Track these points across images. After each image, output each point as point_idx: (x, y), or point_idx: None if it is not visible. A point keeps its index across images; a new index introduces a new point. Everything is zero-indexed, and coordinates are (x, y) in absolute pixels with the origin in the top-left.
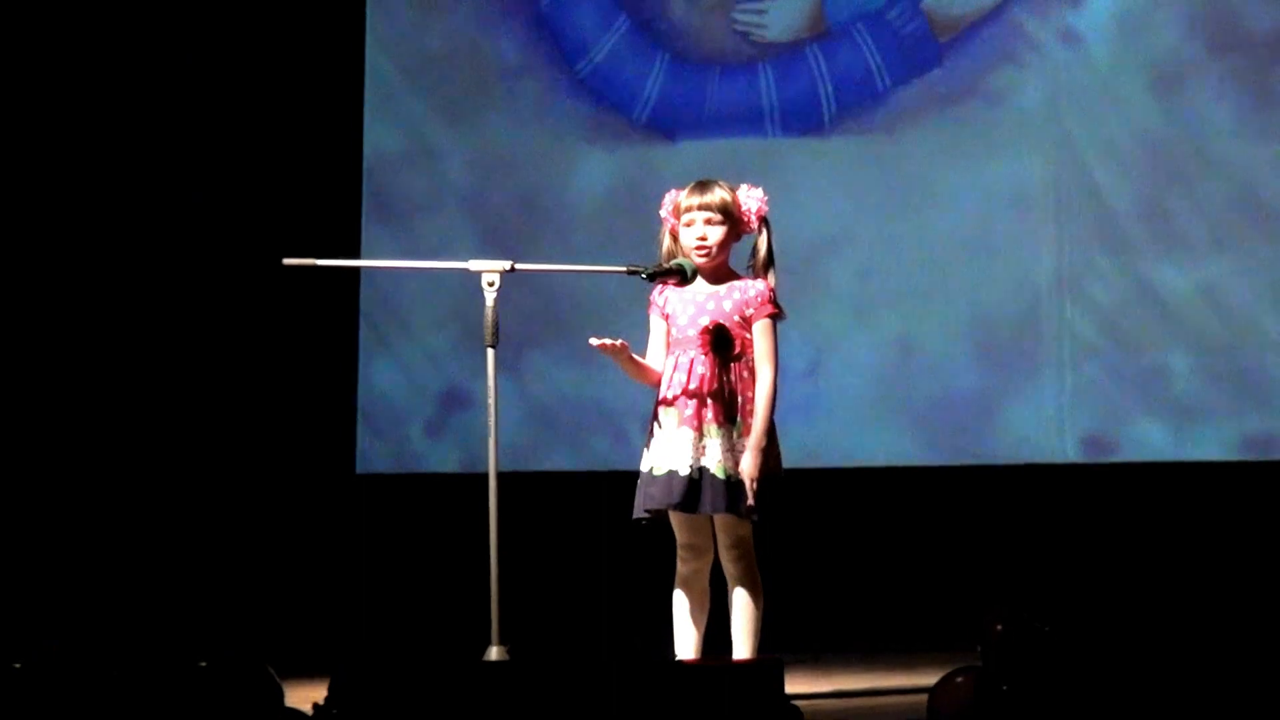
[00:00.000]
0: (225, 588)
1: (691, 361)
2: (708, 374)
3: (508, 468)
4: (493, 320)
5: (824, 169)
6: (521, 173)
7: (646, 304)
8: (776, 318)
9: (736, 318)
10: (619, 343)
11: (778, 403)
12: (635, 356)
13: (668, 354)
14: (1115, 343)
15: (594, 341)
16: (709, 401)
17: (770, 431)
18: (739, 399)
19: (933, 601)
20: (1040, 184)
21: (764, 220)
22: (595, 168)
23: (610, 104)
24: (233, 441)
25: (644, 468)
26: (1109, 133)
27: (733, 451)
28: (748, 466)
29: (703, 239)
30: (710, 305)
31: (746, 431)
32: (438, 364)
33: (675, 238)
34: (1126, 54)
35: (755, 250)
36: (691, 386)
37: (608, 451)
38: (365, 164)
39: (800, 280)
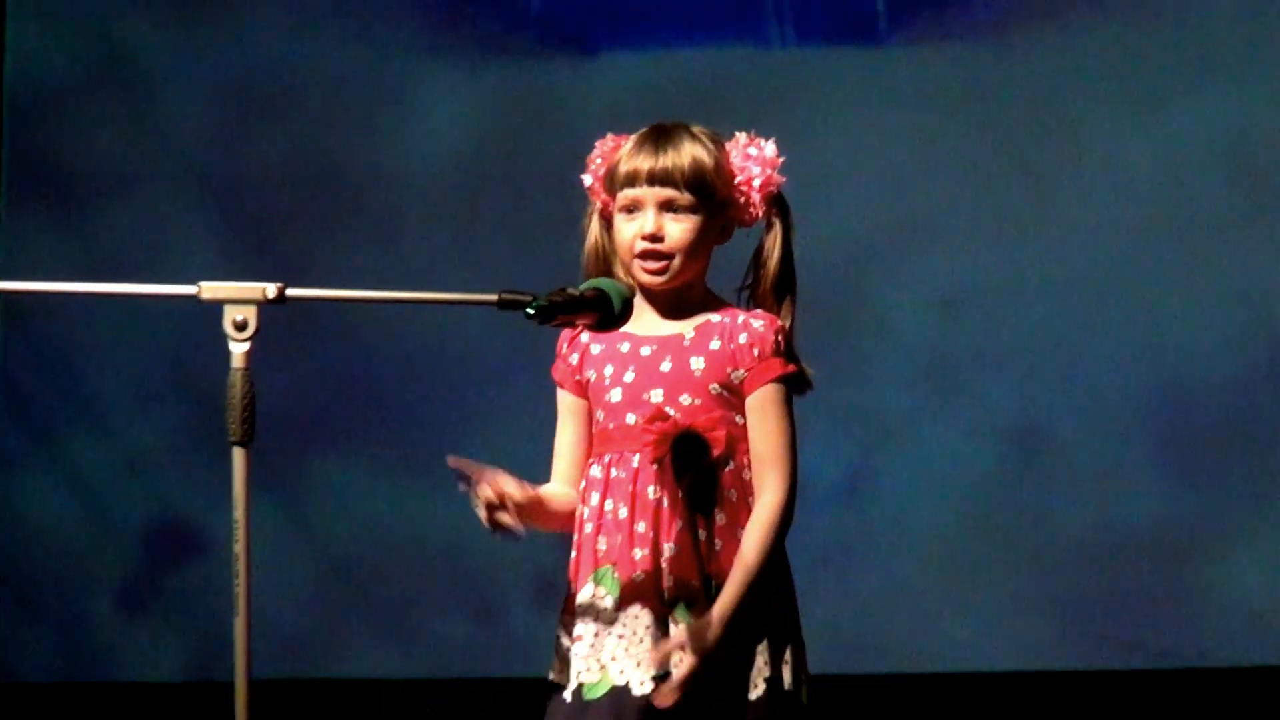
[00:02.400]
0: None
1: (636, 477)
2: (668, 501)
3: (272, 672)
4: (243, 396)
5: (877, 107)
6: (309, 113)
7: (551, 365)
8: (795, 384)
9: (716, 386)
10: (499, 478)
11: (792, 548)
12: (539, 493)
13: (590, 458)
14: None
15: (453, 462)
16: (675, 556)
17: (789, 605)
18: (732, 542)
19: None
20: None
21: (777, 202)
22: (447, 104)
23: None
24: None
25: (556, 675)
26: None
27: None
28: (698, 637)
29: (654, 238)
30: (666, 363)
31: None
32: (142, 480)
33: (611, 227)
34: None
35: (761, 257)
36: (640, 528)
37: (465, 642)
38: (5, 92)
39: (833, 318)
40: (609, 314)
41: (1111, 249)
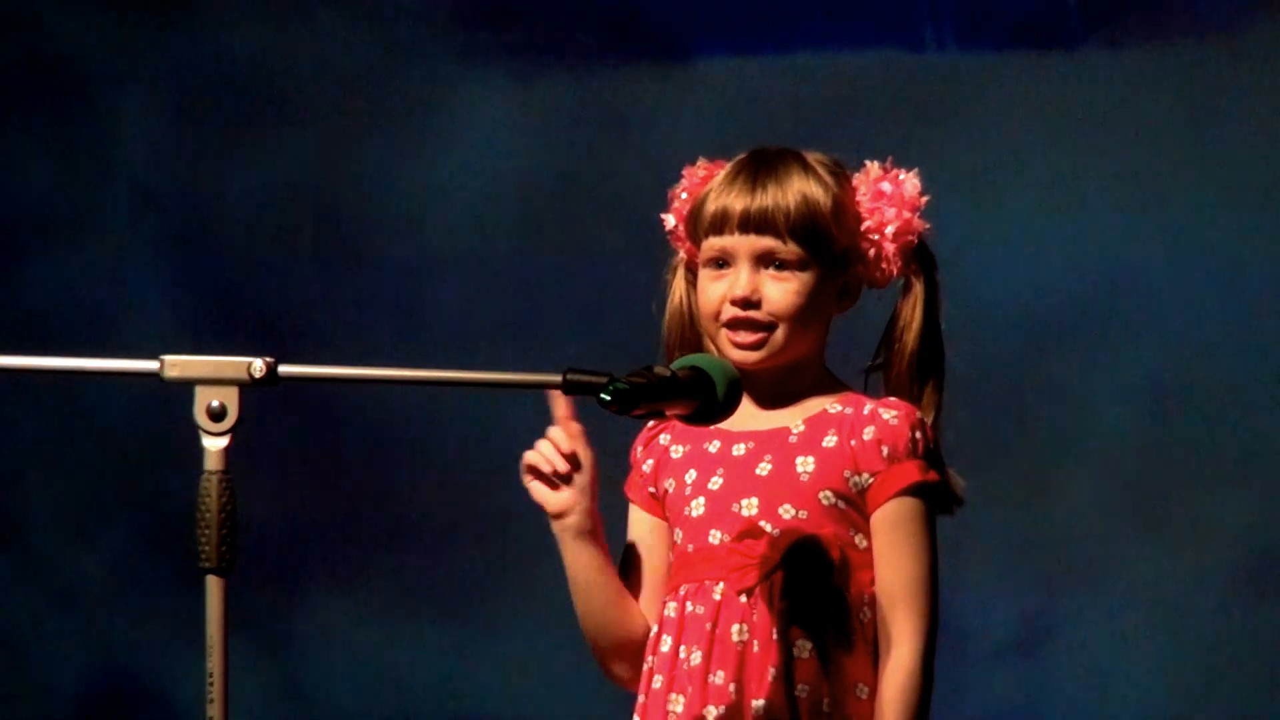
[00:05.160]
0: None
1: (717, 613)
2: (759, 645)
3: None
4: (221, 509)
5: (1066, 131)
6: (301, 133)
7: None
8: (939, 498)
9: (830, 495)
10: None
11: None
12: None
13: (666, 590)
14: None
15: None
16: (763, 715)
17: None
18: (846, 703)
19: None
20: None
21: (918, 256)
22: (487, 122)
23: None
24: None
25: None
26: None
27: None
28: None
29: (746, 303)
30: (765, 464)
31: None
32: (77, 623)
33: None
34: None
35: (896, 329)
36: (716, 679)
37: None
38: None
39: (1001, 414)
40: (710, 402)
41: None
